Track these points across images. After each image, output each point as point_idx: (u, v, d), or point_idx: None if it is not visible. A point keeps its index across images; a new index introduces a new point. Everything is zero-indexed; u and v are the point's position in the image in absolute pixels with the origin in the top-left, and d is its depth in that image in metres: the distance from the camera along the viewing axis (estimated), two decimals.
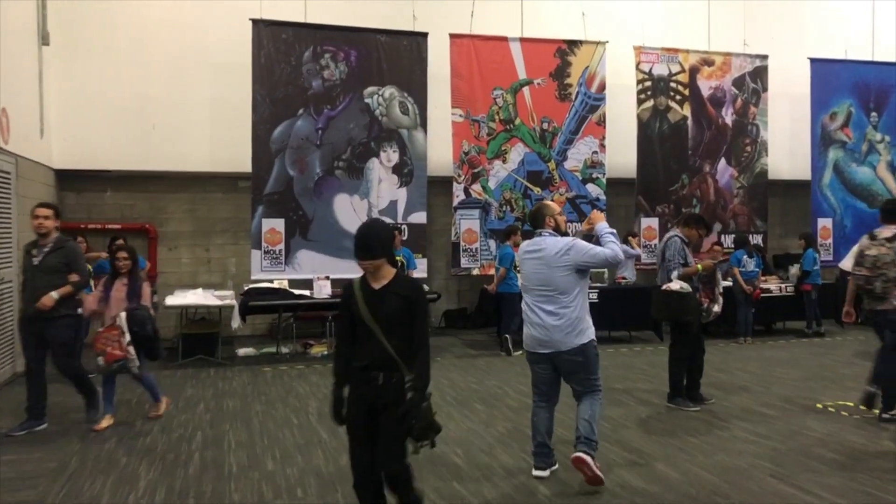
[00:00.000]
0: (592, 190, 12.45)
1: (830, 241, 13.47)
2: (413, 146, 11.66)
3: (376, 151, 11.51)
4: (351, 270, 11.20)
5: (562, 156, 12.33)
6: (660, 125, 12.77)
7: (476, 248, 11.94)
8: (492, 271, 11.73)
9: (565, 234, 5.22)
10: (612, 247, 4.88)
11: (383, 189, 11.52)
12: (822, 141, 13.54)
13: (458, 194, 11.86)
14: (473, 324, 12.68)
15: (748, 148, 13.27)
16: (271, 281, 10.46)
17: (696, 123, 12.97)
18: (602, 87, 12.45)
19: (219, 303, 9.39)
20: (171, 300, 9.41)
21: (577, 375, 4.93)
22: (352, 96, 11.39)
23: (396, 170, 11.61)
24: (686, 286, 6.70)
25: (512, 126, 12.11)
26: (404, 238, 11.34)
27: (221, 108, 11.50)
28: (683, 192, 12.93)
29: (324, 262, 11.11)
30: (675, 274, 6.73)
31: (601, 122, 12.45)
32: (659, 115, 12.76)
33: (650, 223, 12.73)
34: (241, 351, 10.26)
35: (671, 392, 7.10)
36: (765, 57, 13.28)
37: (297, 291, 10.11)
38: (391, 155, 11.57)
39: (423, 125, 11.69)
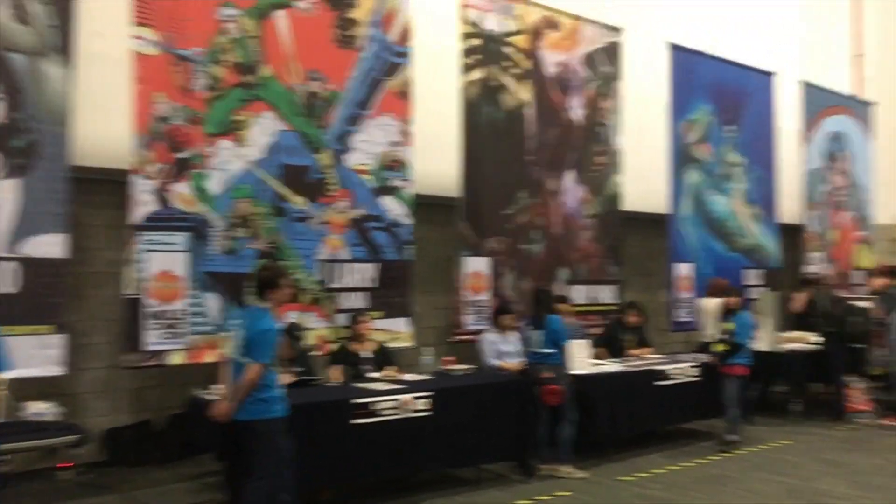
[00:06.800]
0: (392, 208, 7.20)
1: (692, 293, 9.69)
2: (42, 94, 5.48)
3: None
4: None
5: (343, 143, 6.94)
6: (491, 112, 8.01)
7: (172, 310, 5.97)
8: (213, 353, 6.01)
9: None
10: None
11: None
12: (679, 158, 9.86)
13: (143, 200, 5.85)
14: (165, 455, 6.59)
15: (601, 159, 9.07)
16: None
17: (539, 115, 8.43)
18: (407, 37, 7.40)
19: None
20: None
21: None
22: None
23: (1, 141, 5.33)
24: None
25: (254, 78, 6.46)
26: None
27: None
28: (523, 218, 8.24)
29: None
30: None
31: (406, 95, 7.36)
32: (490, 94, 8.00)
33: (476, 266, 7.79)
34: None
35: None
36: (618, 30, 9.26)
37: None
38: None
39: (67, 51, 5.59)
